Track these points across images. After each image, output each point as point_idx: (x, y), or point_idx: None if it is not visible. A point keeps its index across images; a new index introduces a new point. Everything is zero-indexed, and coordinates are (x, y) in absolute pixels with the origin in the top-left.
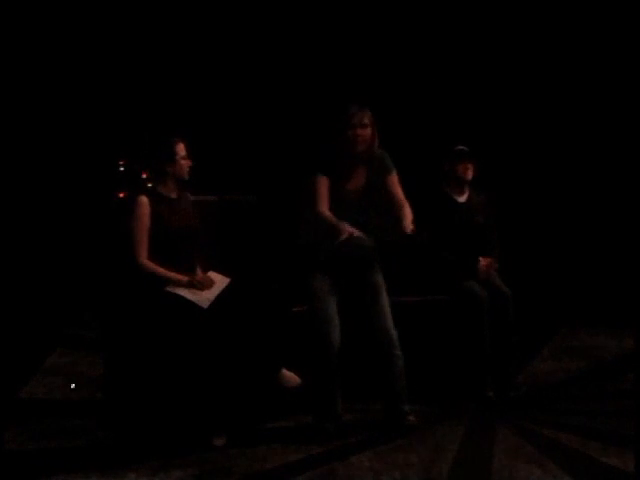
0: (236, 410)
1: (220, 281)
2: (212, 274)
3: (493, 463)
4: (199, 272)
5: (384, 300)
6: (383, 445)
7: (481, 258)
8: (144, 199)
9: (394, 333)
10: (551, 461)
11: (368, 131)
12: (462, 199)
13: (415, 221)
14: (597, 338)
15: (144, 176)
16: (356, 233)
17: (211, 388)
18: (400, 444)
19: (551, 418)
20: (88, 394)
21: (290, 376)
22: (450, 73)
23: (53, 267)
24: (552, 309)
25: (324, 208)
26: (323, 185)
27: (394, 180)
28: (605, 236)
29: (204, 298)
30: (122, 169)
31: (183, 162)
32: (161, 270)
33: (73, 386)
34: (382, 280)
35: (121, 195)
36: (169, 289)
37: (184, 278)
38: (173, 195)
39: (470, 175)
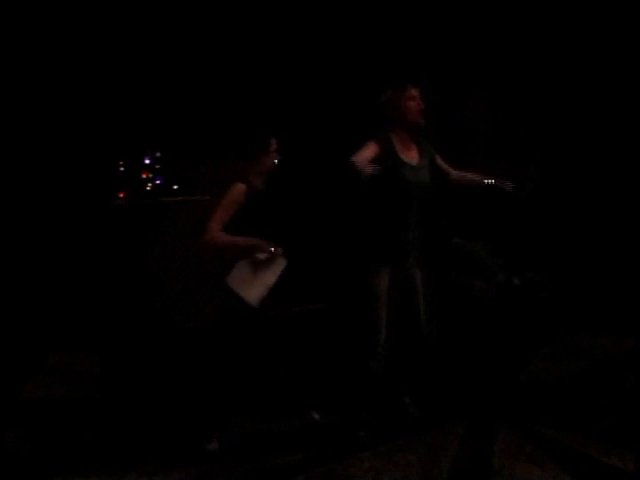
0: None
1: (280, 262)
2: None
3: (493, 463)
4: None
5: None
6: (383, 445)
7: None
8: (242, 186)
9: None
10: (551, 461)
11: (421, 103)
12: None
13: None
14: (597, 338)
15: (144, 176)
16: None
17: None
18: (400, 444)
19: (551, 418)
20: (88, 394)
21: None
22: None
23: (54, 268)
24: (553, 310)
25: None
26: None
27: (442, 159)
28: (605, 237)
29: (256, 295)
30: (122, 169)
31: (274, 156)
32: (230, 238)
33: None
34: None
35: (121, 195)
36: (229, 283)
37: (254, 240)
38: (262, 188)
39: None
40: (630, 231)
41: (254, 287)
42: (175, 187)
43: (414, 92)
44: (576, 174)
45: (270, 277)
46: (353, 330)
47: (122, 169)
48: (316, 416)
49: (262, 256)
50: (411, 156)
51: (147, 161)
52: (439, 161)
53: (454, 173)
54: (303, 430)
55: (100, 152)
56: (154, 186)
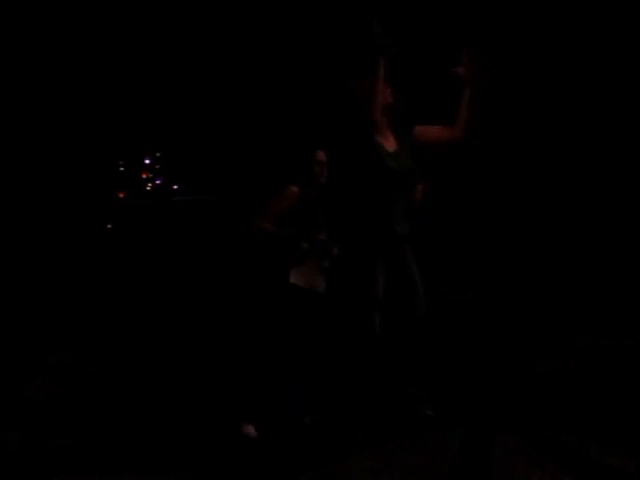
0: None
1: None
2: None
3: (493, 463)
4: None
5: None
6: (383, 445)
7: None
8: (295, 189)
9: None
10: (551, 461)
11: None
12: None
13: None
14: (597, 338)
15: (144, 176)
16: None
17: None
18: (400, 444)
19: (551, 418)
20: (88, 394)
21: (249, 428)
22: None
23: (55, 269)
24: (553, 309)
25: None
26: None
27: (420, 127)
28: (606, 236)
29: (319, 282)
30: (122, 169)
31: (318, 168)
32: (275, 228)
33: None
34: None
35: (121, 195)
36: (293, 281)
37: (294, 232)
38: (314, 193)
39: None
40: (630, 230)
41: (315, 276)
42: (175, 187)
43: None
44: (575, 173)
45: (324, 262)
46: (347, 324)
47: (122, 169)
48: (307, 419)
49: (305, 245)
50: (389, 143)
51: (147, 161)
52: (418, 132)
53: (436, 127)
54: (303, 430)
55: (100, 152)
56: (154, 186)
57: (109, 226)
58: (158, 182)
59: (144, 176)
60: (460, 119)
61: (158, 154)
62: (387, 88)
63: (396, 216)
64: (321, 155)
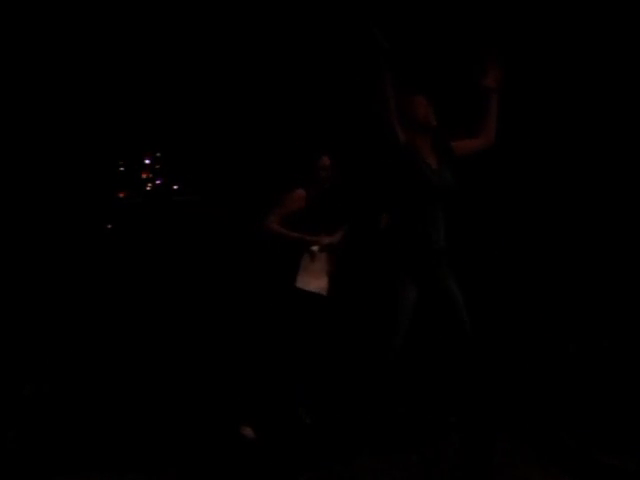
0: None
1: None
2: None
3: (493, 463)
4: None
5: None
6: (383, 445)
7: None
8: (302, 192)
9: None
10: (551, 461)
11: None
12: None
13: None
14: (597, 338)
15: (144, 176)
16: None
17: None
18: (400, 444)
19: (551, 419)
20: (88, 394)
21: (247, 429)
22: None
23: (55, 269)
24: (552, 310)
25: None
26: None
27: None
28: (605, 237)
29: (323, 286)
30: (122, 169)
31: (322, 173)
32: (283, 230)
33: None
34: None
35: (121, 195)
36: (299, 285)
37: (303, 235)
38: (319, 195)
39: None
40: (629, 229)
41: (321, 279)
42: (175, 187)
43: (418, 98)
44: (573, 175)
45: (330, 265)
46: (366, 331)
47: (122, 169)
48: (307, 419)
49: (315, 248)
50: (432, 160)
51: (147, 161)
52: (456, 148)
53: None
54: (303, 430)
55: (100, 152)
56: (154, 186)
57: (109, 226)
58: (158, 182)
59: (144, 176)
60: (489, 126)
61: (158, 154)
62: (427, 106)
63: (436, 233)
64: (326, 160)
